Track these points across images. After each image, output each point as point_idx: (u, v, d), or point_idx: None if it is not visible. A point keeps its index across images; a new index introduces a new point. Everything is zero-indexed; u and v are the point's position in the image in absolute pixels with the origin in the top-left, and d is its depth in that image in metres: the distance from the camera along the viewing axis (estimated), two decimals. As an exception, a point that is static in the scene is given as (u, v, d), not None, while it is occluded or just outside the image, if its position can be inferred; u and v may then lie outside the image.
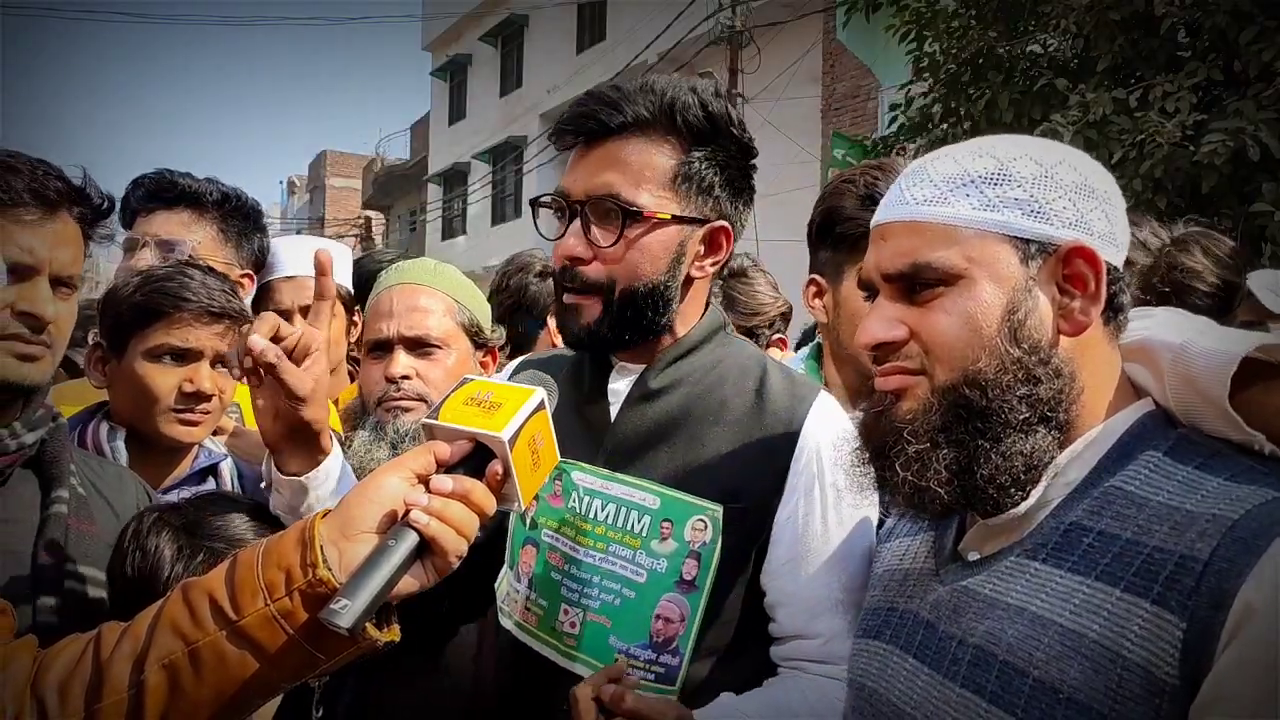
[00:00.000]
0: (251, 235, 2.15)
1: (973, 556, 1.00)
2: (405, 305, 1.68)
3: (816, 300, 1.64)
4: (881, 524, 1.24)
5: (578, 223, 1.24)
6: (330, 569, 0.87)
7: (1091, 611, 0.83)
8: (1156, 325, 0.98)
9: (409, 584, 0.90)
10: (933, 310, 0.94)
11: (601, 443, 1.28)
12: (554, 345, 2.24)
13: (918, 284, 0.95)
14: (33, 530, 1.26)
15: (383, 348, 1.69)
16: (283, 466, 1.24)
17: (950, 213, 0.94)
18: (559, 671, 1.25)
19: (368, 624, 0.87)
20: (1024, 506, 0.94)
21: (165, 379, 1.56)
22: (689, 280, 1.28)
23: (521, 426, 0.95)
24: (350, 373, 2.49)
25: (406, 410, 1.64)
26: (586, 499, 1.27)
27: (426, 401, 1.64)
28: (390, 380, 1.65)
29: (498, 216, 21.65)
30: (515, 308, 2.50)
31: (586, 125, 1.23)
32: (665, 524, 1.22)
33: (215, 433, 1.72)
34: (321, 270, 1.23)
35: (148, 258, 1.96)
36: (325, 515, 0.91)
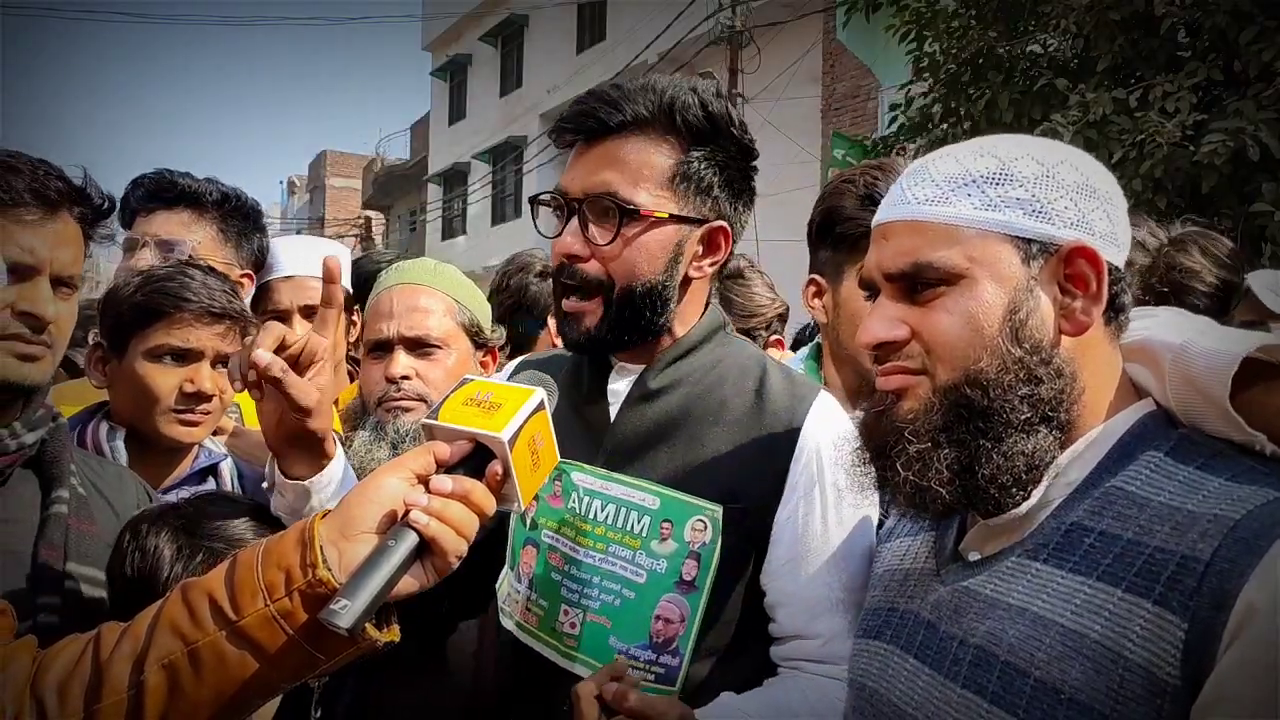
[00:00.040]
0: (251, 235, 2.15)
1: (973, 557, 0.99)
2: (405, 305, 1.68)
3: (816, 300, 1.64)
4: (881, 524, 1.24)
5: (575, 221, 1.24)
6: (330, 569, 0.87)
7: (1093, 612, 0.83)
8: (1157, 325, 0.98)
9: (409, 584, 0.90)
10: (934, 310, 0.94)
11: (601, 443, 1.28)
12: (554, 345, 2.24)
13: (919, 283, 0.95)
14: (33, 530, 1.26)
15: (383, 348, 1.69)
16: (286, 470, 1.23)
17: (952, 212, 0.94)
18: (559, 672, 1.25)
19: (367, 624, 0.87)
20: (1025, 507, 0.94)
21: (166, 379, 1.56)
22: (687, 280, 1.28)
23: (521, 427, 0.95)
24: (350, 373, 2.49)
25: (407, 410, 1.64)
26: (586, 499, 1.27)
27: (427, 401, 1.64)
28: (390, 380, 1.65)
29: (498, 216, 21.65)
30: (515, 308, 2.50)
31: (586, 123, 1.23)
32: (665, 524, 1.22)
33: (215, 433, 1.72)
34: (330, 277, 1.21)
35: (148, 258, 1.96)
36: (325, 516, 0.91)
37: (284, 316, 2.15)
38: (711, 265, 1.30)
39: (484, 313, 1.81)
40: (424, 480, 0.92)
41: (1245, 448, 0.87)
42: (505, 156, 20.65)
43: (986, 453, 0.91)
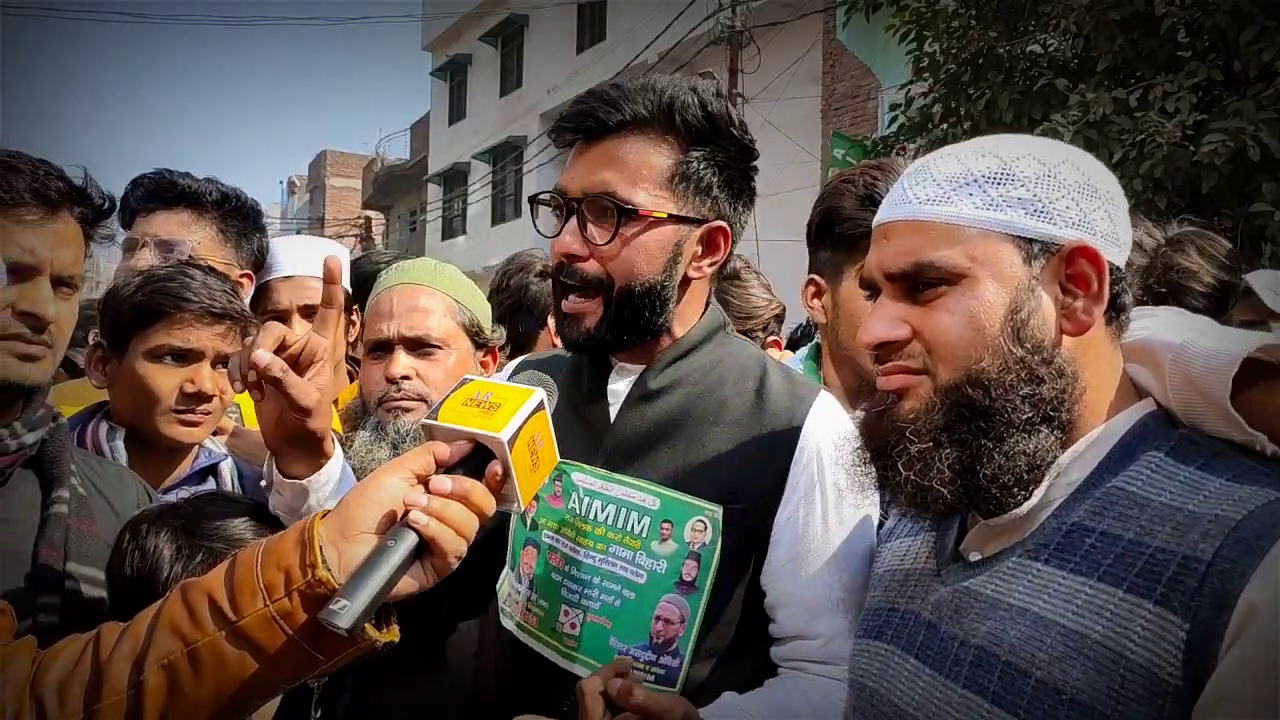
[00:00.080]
0: (251, 235, 2.15)
1: (974, 557, 0.99)
2: (405, 305, 1.68)
3: (815, 300, 1.64)
4: (881, 524, 1.24)
5: (574, 220, 1.24)
6: (329, 569, 0.87)
7: (1094, 612, 0.83)
8: (1157, 325, 0.98)
9: (408, 584, 0.90)
10: (935, 310, 0.94)
11: (601, 443, 1.28)
12: (554, 345, 2.24)
13: (920, 283, 0.95)
14: (33, 530, 1.26)
15: (383, 348, 1.68)
16: (285, 469, 1.24)
17: (953, 212, 0.94)
18: (559, 672, 1.25)
19: (367, 624, 0.87)
20: (1026, 507, 0.94)
21: (166, 379, 1.56)
22: (686, 280, 1.28)
23: (521, 427, 0.95)
24: (350, 373, 2.49)
25: (407, 410, 1.64)
26: (586, 500, 1.27)
27: (427, 402, 1.64)
28: (391, 380, 1.65)
29: (498, 216, 21.65)
30: (515, 307, 2.50)
31: (585, 123, 1.23)
32: (665, 525, 1.21)
33: (215, 433, 1.72)
34: (331, 278, 1.21)
35: (147, 258, 1.96)
36: (324, 516, 0.91)
37: (283, 316, 2.15)
38: (711, 265, 1.29)
39: (484, 313, 1.81)
40: (423, 480, 0.92)
41: (1246, 448, 0.87)
42: (505, 156, 20.65)
43: (988, 452, 0.91)
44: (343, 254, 2.45)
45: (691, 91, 1.23)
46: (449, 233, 24.45)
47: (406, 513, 0.89)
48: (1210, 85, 5.33)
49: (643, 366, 1.30)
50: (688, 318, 1.31)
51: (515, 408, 0.96)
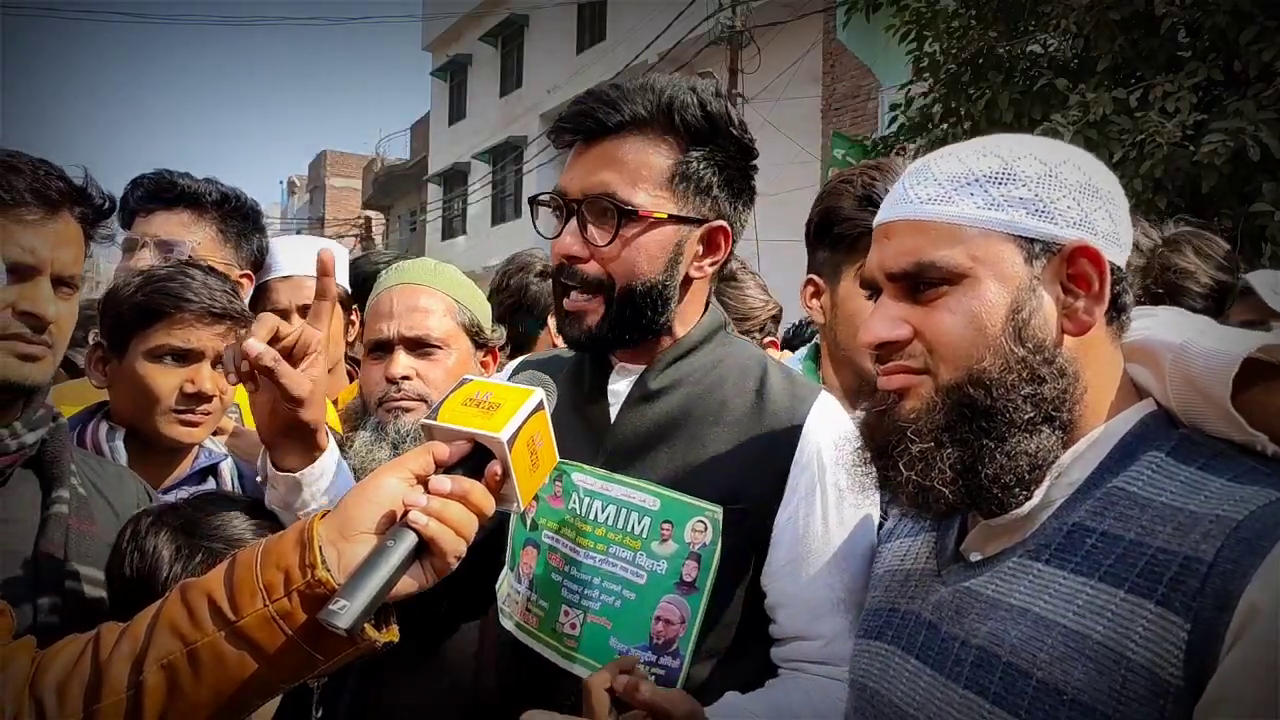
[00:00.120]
0: (250, 235, 2.15)
1: (975, 557, 0.99)
2: (405, 305, 1.68)
3: (814, 300, 1.64)
4: (881, 524, 1.24)
5: (574, 221, 1.24)
6: (329, 570, 0.86)
7: (1095, 613, 0.83)
8: (1157, 325, 0.98)
9: (408, 584, 0.90)
10: (937, 309, 0.94)
11: (601, 444, 1.28)
12: (554, 345, 2.24)
13: (922, 283, 0.95)
14: (33, 530, 1.26)
15: (383, 348, 1.68)
16: (278, 462, 1.24)
17: (955, 211, 0.94)
18: (559, 672, 1.25)
19: (366, 624, 0.87)
20: (1027, 507, 0.93)
21: (166, 379, 1.56)
22: (688, 280, 1.28)
23: (520, 427, 0.95)
24: (349, 372, 2.49)
25: (407, 411, 1.64)
26: (587, 500, 1.27)
27: (427, 402, 1.64)
28: (391, 381, 1.65)
29: (498, 216, 21.65)
30: (516, 307, 2.50)
31: (585, 124, 1.23)
32: (665, 525, 1.21)
33: (215, 433, 1.72)
34: (324, 270, 1.23)
35: (147, 258, 1.96)
36: (324, 516, 0.91)
37: (283, 316, 2.14)
38: (712, 265, 1.29)
39: (484, 312, 1.81)
40: (423, 480, 0.92)
41: (1246, 448, 0.87)
42: (505, 156, 20.65)
43: (990, 452, 0.91)
44: (341, 253, 2.46)
45: (690, 91, 1.23)
46: (449, 233, 24.45)
47: (406, 513, 0.89)
48: (1210, 85, 5.33)
49: (643, 366, 1.30)
50: (689, 317, 1.31)
51: (515, 408, 0.96)
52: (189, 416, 1.57)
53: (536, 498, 1.31)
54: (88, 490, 1.37)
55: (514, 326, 2.45)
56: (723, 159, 1.25)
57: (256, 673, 0.86)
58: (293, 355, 1.17)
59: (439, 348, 1.68)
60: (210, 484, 1.67)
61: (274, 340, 1.15)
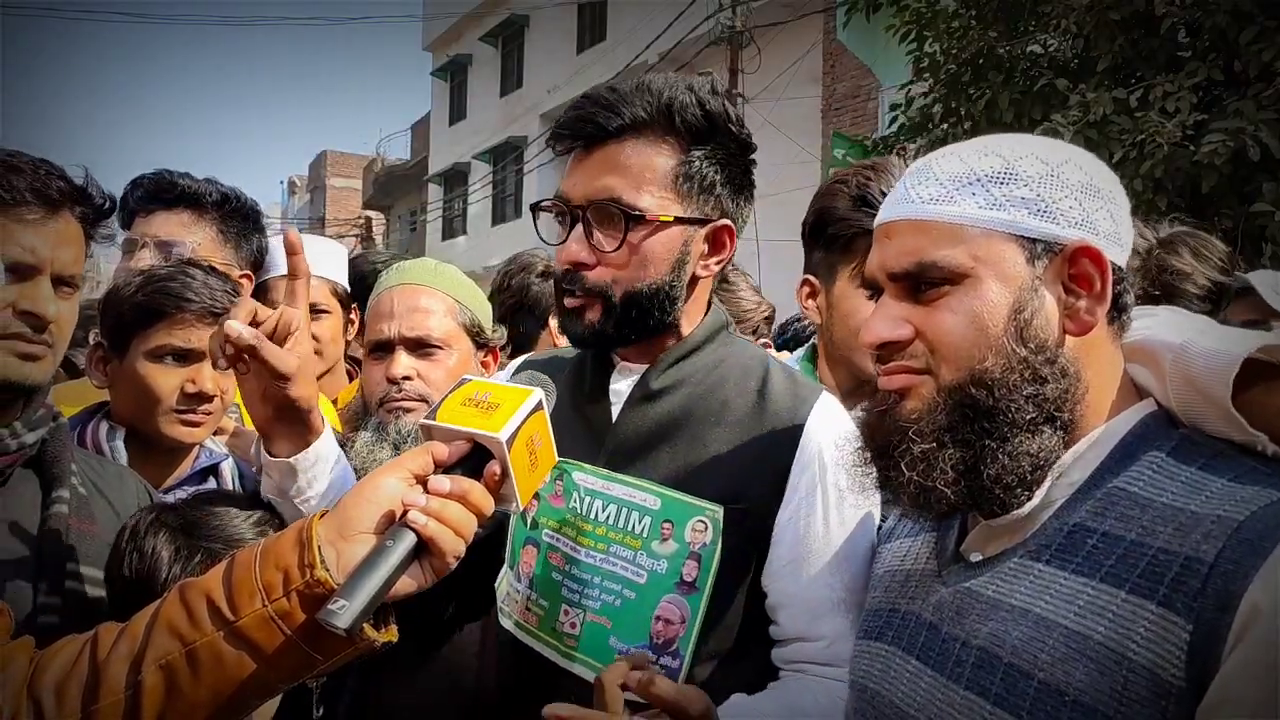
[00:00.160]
0: (250, 236, 2.15)
1: (975, 558, 0.99)
2: (406, 306, 1.68)
3: (810, 300, 1.64)
4: (880, 525, 1.24)
5: (580, 228, 1.24)
6: (328, 569, 0.86)
7: (1096, 613, 0.83)
8: (1157, 325, 0.98)
9: (407, 584, 0.90)
10: (938, 309, 0.94)
11: (603, 443, 1.28)
12: (555, 345, 2.24)
13: (923, 283, 0.95)
14: (33, 530, 1.26)
15: (384, 348, 1.68)
16: (272, 449, 1.24)
17: (956, 211, 0.94)
18: (559, 672, 1.25)
19: (365, 624, 0.87)
20: (1028, 507, 0.93)
21: (167, 379, 1.56)
22: (694, 280, 1.28)
23: (519, 427, 0.95)
24: (349, 372, 2.49)
25: (408, 411, 1.64)
26: (587, 499, 1.27)
27: (428, 402, 1.64)
28: (392, 381, 1.65)
29: (498, 216, 21.65)
30: (517, 308, 2.49)
31: (584, 129, 1.23)
32: (666, 525, 1.21)
33: (216, 433, 1.72)
34: (292, 249, 1.24)
35: (147, 259, 1.96)
36: (323, 516, 0.91)
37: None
38: (718, 264, 1.30)
39: (485, 313, 1.80)
40: (422, 480, 0.92)
41: (1246, 448, 0.87)
42: (505, 156, 20.65)
43: (992, 453, 0.91)
44: (341, 253, 2.46)
45: (689, 90, 1.23)
46: (449, 233, 24.44)
47: (405, 513, 0.89)
48: (1210, 85, 5.33)
49: (645, 366, 1.30)
50: (693, 317, 1.31)
51: (514, 408, 0.96)
52: (190, 416, 1.57)
53: (537, 496, 1.30)
54: (88, 490, 1.37)
55: (515, 327, 2.45)
56: (724, 156, 1.25)
57: (255, 673, 0.86)
58: (275, 337, 1.18)
59: (440, 348, 1.68)
60: (211, 484, 1.67)
61: (254, 324, 1.17)
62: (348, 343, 2.42)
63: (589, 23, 18.08)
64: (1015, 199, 0.92)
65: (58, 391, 1.78)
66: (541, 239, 1.36)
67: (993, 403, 0.90)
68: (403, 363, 1.65)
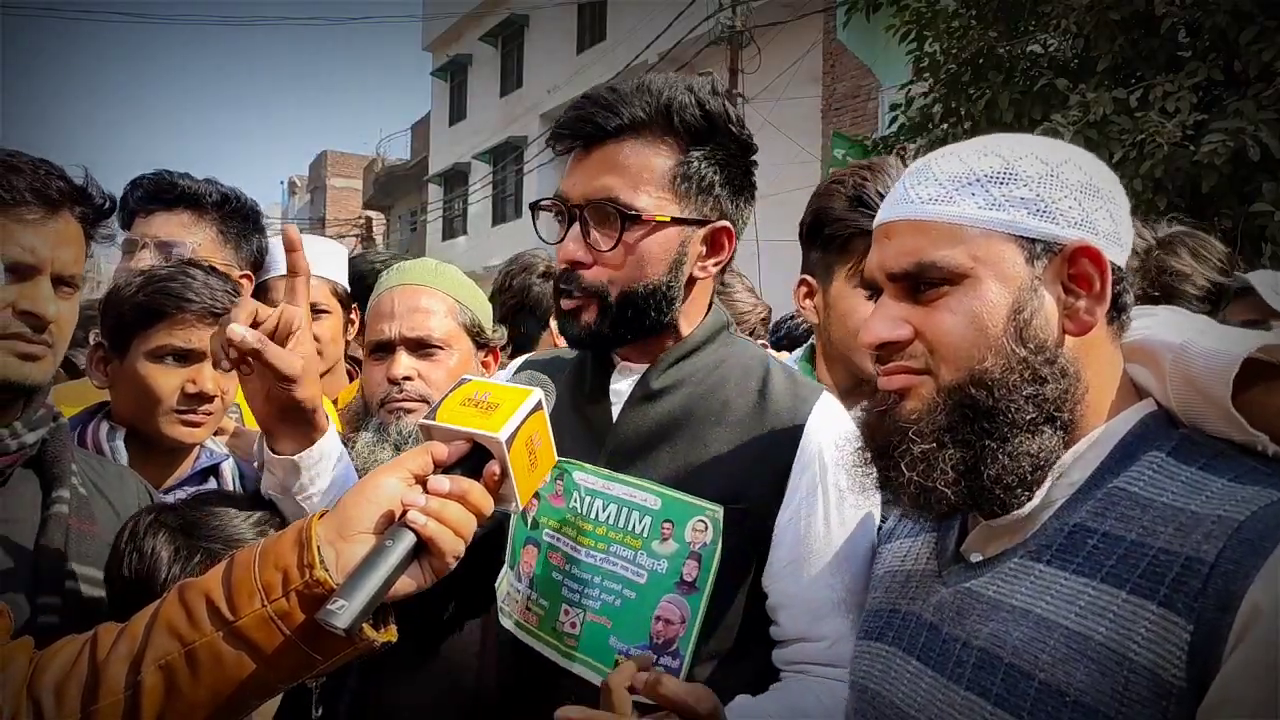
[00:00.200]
0: (250, 236, 2.15)
1: (975, 558, 0.99)
2: (407, 306, 1.68)
3: (807, 300, 1.64)
4: (880, 525, 1.24)
5: (577, 227, 1.24)
6: (327, 570, 0.86)
7: (1097, 614, 0.83)
8: (1157, 325, 0.98)
9: (406, 584, 0.90)
10: (938, 310, 0.94)
11: (603, 443, 1.28)
12: (556, 345, 2.23)
13: (922, 283, 0.95)
14: (33, 530, 1.26)
15: (385, 349, 1.68)
16: (276, 447, 1.24)
17: (955, 212, 0.93)
18: (559, 672, 1.25)
19: (365, 625, 0.87)
20: (1029, 508, 0.93)
21: (168, 380, 1.56)
22: (691, 281, 1.28)
23: (519, 427, 0.95)
24: (349, 372, 2.49)
25: (409, 411, 1.64)
26: (588, 499, 1.27)
27: (429, 402, 1.64)
28: (392, 381, 1.65)
29: (498, 217, 21.65)
30: (518, 308, 2.49)
31: (583, 128, 1.23)
32: (666, 525, 1.21)
33: (216, 433, 1.72)
34: (291, 246, 1.23)
35: (147, 259, 1.96)
36: (322, 516, 0.91)
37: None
38: (716, 265, 1.29)
39: (485, 313, 1.80)
40: (421, 480, 0.92)
41: (1246, 448, 0.87)
42: (505, 156, 20.65)
43: (992, 453, 0.91)
44: (342, 253, 2.45)
45: (688, 91, 1.23)
46: (449, 233, 24.44)
47: (404, 513, 0.89)
48: (1210, 85, 5.33)
49: (645, 366, 1.30)
50: (693, 317, 1.31)
51: (513, 408, 0.96)
52: (190, 417, 1.57)
53: (537, 496, 1.31)
54: (88, 490, 1.37)
55: (517, 327, 2.45)
56: (723, 157, 1.25)
57: (255, 673, 0.86)
58: (276, 337, 1.17)
59: (440, 348, 1.68)
60: (211, 484, 1.67)
61: (255, 325, 1.15)
62: (347, 343, 2.42)
63: (589, 23, 18.09)
64: (1014, 199, 0.92)
65: (58, 391, 1.78)
66: (541, 238, 1.36)
67: (992, 403, 0.90)
68: (403, 363, 1.65)
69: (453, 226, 24.43)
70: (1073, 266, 0.92)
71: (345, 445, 1.47)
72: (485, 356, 1.80)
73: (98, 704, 0.85)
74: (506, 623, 1.35)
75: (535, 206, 1.37)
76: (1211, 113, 5.06)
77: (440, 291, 1.72)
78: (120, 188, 2.02)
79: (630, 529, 1.23)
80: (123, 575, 1.23)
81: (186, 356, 1.57)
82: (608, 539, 1.24)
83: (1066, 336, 0.92)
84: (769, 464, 1.21)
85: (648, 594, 1.21)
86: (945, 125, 6.55)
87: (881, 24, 7.49)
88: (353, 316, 2.37)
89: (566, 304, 1.27)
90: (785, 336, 3.07)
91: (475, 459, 0.95)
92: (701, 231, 1.26)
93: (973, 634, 0.92)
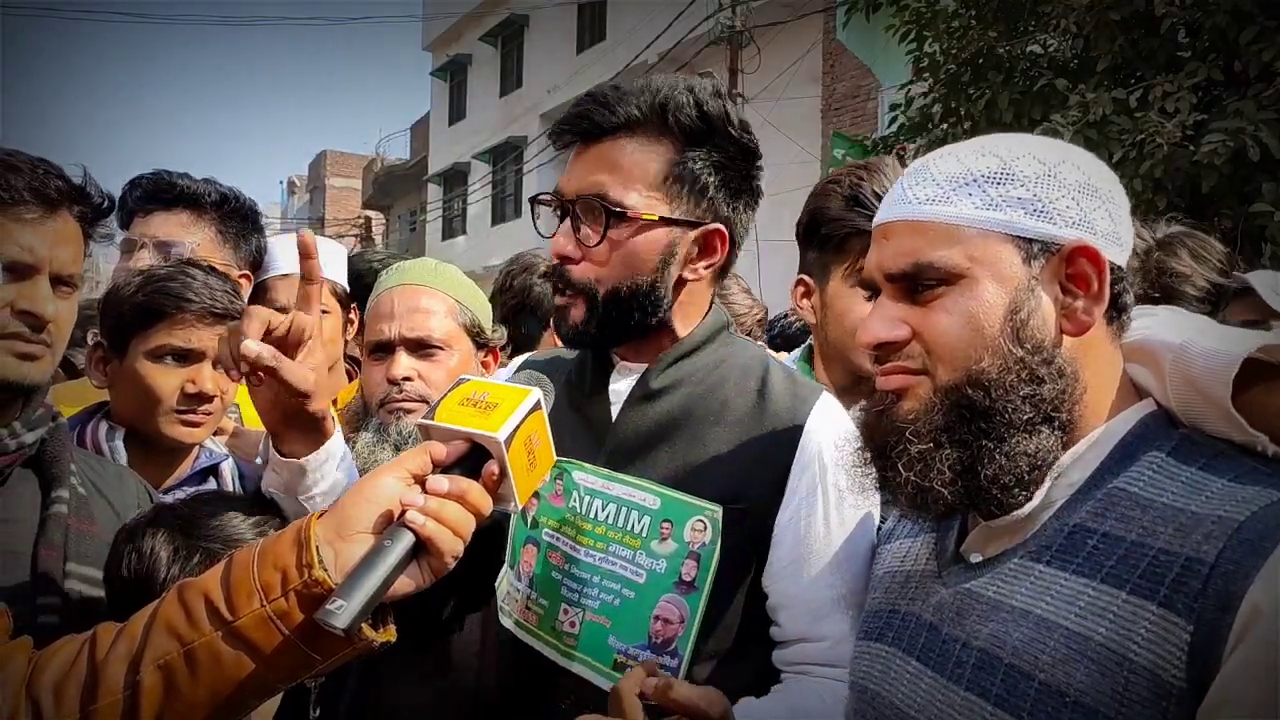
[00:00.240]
0: (249, 236, 2.15)
1: (975, 558, 0.99)
2: (406, 306, 1.68)
3: (805, 300, 1.64)
4: (880, 525, 1.24)
5: (568, 222, 1.25)
6: (326, 569, 0.86)
7: (1097, 614, 0.83)
8: (1157, 325, 0.98)
9: (405, 584, 0.90)
10: (935, 310, 0.94)
11: (603, 442, 1.28)
12: (556, 346, 2.23)
13: (920, 284, 0.95)
14: (33, 530, 1.26)
15: (384, 349, 1.68)
16: (282, 448, 1.23)
17: (953, 212, 0.93)
18: (559, 671, 1.25)
19: (364, 624, 0.87)
20: (1028, 508, 0.93)
21: (167, 380, 1.56)
22: (682, 282, 1.27)
23: (518, 427, 0.95)
24: (348, 371, 2.49)
25: (409, 412, 1.64)
26: (587, 499, 1.27)
27: (428, 403, 1.64)
28: (392, 382, 1.65)
29: (498, 216, 21.66)
30: (519, 308, 2.49)
31: (582, 125, 1.23)
32: (665, 524, 1.21)
33: (216, 433, 1.72)
34: (306, 253, 1.20)
35: (146, 259, 1.96)
36: (321, 516, 0.91)
37: (282, 313, 2.15)
38: (708, 268, 1.29)
39: (485, 313, 1.80)
40: (420, 480, 0.92)
41: (1246, 448, 0.87)
42: (505, 156, 20.65)
43: (989, 453, 0.91)
44: (341, 252, 2.45)
45: (688, 91, 1.23)
46: (449, 233, 24.45)
47: (403, 513, 0.89)
48: (1210, 85, 5.33)
49: (645, 366, 1.30)
50: (690, 318, 1.31)
51: (512, 407, 0.96)
52: (190, 417, 1.57)
53: (537, 495, 1.31)
54: (88, 490, 1.37)
55: (517, 328, 2.45)
56: (720, 159, 1.25)
57: (254, 673, 0.86)
58: (287, 344, 1.16)
59: (440, 349, 1.68)
60: (211, 484, 1.67)
61: (267, 334, 1.14)
62: (347, 342, 2.42)
63: (589, 23, 18.09)
64: (1012, 199, 0.92)
65: (57, 391, 1.78)
66: (540, 234, 1.36)
67: (989, 403, 0.90)
68: (403, 363, 1.65)
69: (452, 226, 24.44)
70: (1070, 266, 0.92)
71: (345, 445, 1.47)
72: (485, 357, 1.80)
73: (96, 704, 0.85)
74: (506, 622, 1.35)
75: (534, 201, 1.38)
76: (1211, 113, 5.06)
77: (440, 291, 1.72)
78: (119, 187, 2.02)
79: (629, 528, 1.23)
80: (122, 575, 1.23)
81: (186, 356, 1.57)
82: (607, 538, 1.24)
83: (1064, 336, 0.92)
84: (768, 464, 1.21)
85: (647, 593, 1.21)
86: (945, 125, 6.54)
87: (881, 24, 7.49)
88: (352, 316, 2.37)
89: (559, 301, 1.27)
90: (779, 335, 3.07)
91: (474, 459, 0.95)
92: (693, 233, 1.25)
93: (972, 634, 0.92)
